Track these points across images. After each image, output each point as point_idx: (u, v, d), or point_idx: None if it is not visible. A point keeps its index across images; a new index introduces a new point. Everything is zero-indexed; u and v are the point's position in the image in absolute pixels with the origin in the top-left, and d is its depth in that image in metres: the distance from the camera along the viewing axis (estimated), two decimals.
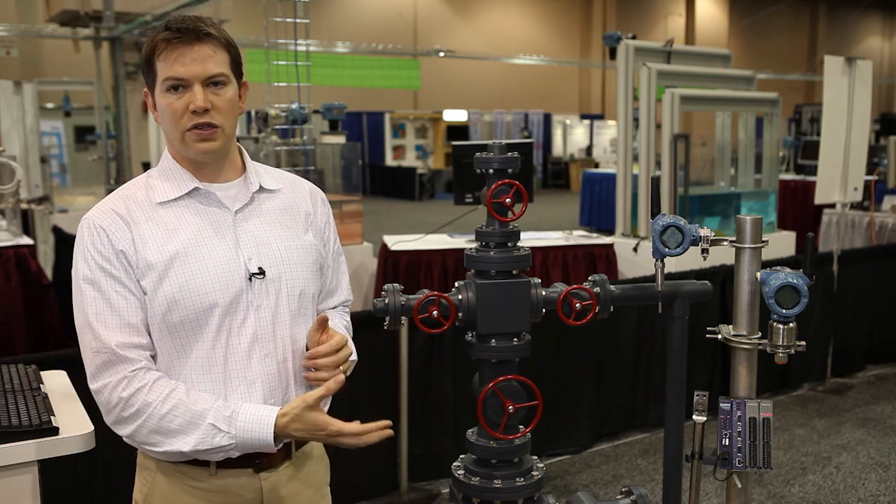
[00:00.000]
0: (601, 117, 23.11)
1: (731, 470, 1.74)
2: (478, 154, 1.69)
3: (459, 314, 1.66)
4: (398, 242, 5.00)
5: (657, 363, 4.37)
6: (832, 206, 6.17)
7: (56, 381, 2.15)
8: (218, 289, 1.55)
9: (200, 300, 1.54)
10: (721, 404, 1.74)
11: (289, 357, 1.64)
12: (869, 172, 6.36)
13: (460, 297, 1.66)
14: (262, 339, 1.60)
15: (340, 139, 6.09)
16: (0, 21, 11.75)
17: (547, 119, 22.05)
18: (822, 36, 27.93)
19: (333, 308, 1.83)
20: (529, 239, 5.09)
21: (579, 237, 5.39)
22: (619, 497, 1.77)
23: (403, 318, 1.65)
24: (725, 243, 1.74)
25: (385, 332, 2.28)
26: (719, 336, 1.78)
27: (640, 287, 1.79)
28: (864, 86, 5.23)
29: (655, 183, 2.15)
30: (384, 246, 5.02)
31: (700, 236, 1.70)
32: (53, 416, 1.80)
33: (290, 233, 1.68)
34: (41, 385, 2.05)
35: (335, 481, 1.85)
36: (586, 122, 22.31)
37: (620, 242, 5.60)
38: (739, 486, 1.77)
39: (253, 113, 7.70)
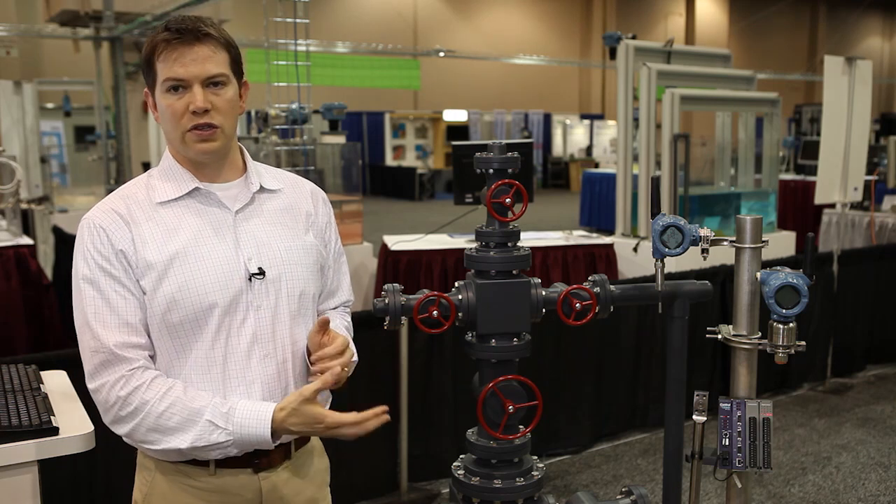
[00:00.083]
0: (601, 117, 23.11)
1: (731, 470, 1.74)
2: (478, 154, 1.69)
3: (459, 314, 1.66)
4: (398, 242, 5.00)
5: (657, 363, 4.37)
6: (832, 206, 6.17)
7: (56, 381, 2.15)
8: (217, 289, 1.55)
9: (200, 300, 1.54)
10: (721, 404, 1.74)
11: (288, 358, 1.63)
12: (869, 172, 6.36)
13: (460, 297, 1.67)
14: (262, 340, 1.60)
15: (340, 139, 6.09)
16: (0, 21, 11.75)
17: (547, 119, 22.05)
18: (822, 36, 27.93)
19: (334, 308, 1.82)
20: (529, 239, 5.09)
21: (579, 237, 5.39)
22: (619, 497, 1.77)
23: (403, 318, 1.66)
24: (725, 243, 1.74)
25: (385, 332, 2.28)
26: (719, 336, 1.78)
27: (640, 287, 1.79)
28: (864, 86, 5.23)
29: (655, 183, 2.15)
30: (384, 246, 5.02)
31: (700, 236, 1.70)
32: (53, 416, 1.80)
33: (290, 233, 1.67)
34: (41, 385, 2.05)
35: (335, 481, 1.85)
36: (586, 122, 22.30)
37: (620, 242, 5.60)
38: (739, 486, 1.77)
39: (253, 113, 7.69)
